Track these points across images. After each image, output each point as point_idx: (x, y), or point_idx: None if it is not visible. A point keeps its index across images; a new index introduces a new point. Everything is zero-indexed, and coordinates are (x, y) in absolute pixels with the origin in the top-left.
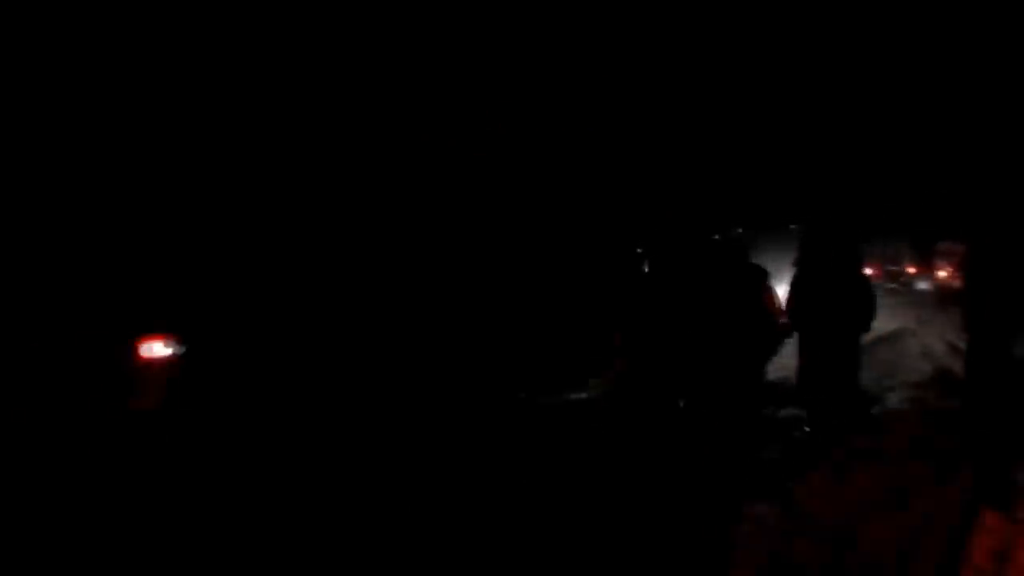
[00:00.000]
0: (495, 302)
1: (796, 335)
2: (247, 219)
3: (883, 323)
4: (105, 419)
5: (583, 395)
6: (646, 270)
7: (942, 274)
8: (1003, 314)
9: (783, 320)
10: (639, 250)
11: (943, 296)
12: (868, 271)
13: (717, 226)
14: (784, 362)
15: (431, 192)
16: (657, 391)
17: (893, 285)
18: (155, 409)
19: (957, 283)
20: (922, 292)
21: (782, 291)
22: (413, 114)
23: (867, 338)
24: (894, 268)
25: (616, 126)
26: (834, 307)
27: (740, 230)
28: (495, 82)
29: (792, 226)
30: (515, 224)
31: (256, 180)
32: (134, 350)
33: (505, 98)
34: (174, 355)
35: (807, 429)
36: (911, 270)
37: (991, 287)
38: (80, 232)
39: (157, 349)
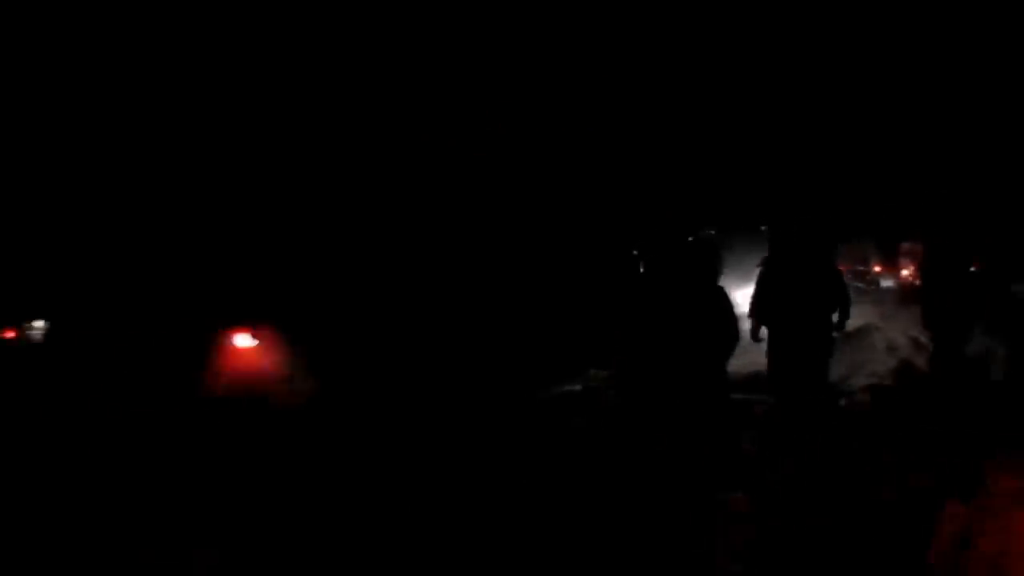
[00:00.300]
0: (496, 299)
1: (765, 332)
2: (311, 231)
3: (850, 320)
4: (201, 398)
5: (577, 387)
6: (642, 270)
7: (905, 272)
8: (957, 314)
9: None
10: (635, 252)
11: (906, 294)
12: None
13: (692, 227)
14: (753, 358)
15: (433, 192)
16: (648, 388)
17: (861, 284)
18: (243, 390)
19: (919, 282)
20: (886, 290)
21: (751, 290)
22: (414, 115)
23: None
24: (863, 268)
25: (610, 130)
26: (808, 305)
27: (712, 231)
28: (495, 83)
29: (763, 227)
30: (517, 223)
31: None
32: (226, 340)
33: (505, 99)
34: (258, 345)
35: (779, 422)
36: (876, 269)
37: (946, 288)
38: (183, 237)
39: (244, 340)
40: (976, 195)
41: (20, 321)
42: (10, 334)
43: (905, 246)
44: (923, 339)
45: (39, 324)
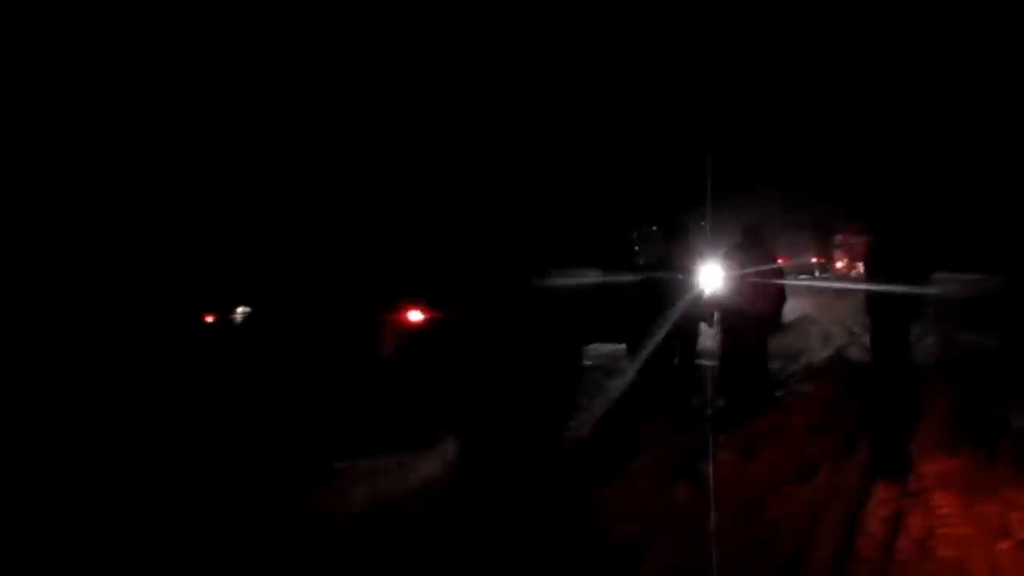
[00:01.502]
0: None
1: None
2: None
3: (787, 312)
4: (387, 362)
5: None
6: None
7: (839, 264)
8: (899, 303)
9: None
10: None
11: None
12: (779, 261)
13: (636, 222)
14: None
15: (434, 192)
16: None
17: (825, 275)
18: (413, 355)
19: (853, 272)
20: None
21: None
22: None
23: None
24: (825, 262)
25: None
26: (750, 298)
27: (655, 227)
28: (494, 83)
29: (702, 222)
30: (521, 223)
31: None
32: (402, 315)
33: (504, 99)
34: (426, 319)
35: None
36: (814, 260)
37: (890, 278)
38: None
39: (415, 315)
40: (905, 189)
41: (224, 308)
42: (210, 318)
43: (839, 239)
44: (856, 329)
45: (241, 309)
